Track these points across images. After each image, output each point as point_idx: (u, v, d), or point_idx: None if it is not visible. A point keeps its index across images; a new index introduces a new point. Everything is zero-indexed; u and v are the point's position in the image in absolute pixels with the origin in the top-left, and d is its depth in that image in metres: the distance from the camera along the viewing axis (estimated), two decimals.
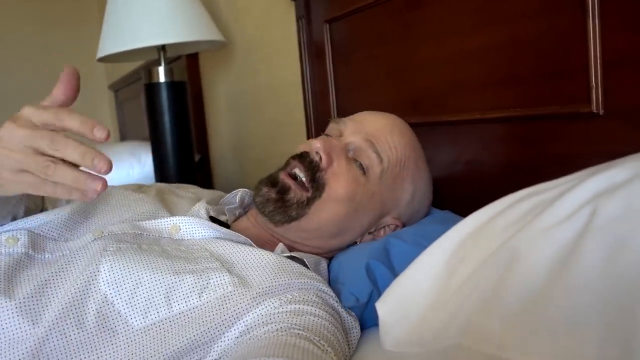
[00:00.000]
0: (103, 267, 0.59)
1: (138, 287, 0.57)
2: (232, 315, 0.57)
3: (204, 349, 0.56)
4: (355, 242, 0.77)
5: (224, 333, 0.56)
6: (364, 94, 1.16)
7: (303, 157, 0.72)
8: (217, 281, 0.59)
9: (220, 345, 0.56)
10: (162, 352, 0.55)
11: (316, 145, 0.71)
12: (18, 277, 0.58)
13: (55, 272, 0.59)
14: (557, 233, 0.36)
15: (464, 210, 0.79)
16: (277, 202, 0.71)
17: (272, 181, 0.72)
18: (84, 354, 0.54)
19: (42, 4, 3.32)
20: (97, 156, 0.48)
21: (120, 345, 0.55)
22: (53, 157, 0.47)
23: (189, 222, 0.69)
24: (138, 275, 0.58)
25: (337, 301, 0.64)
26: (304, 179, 0.71)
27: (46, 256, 0.62)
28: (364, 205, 0.73)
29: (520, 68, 0.81)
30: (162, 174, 1.65)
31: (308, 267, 0.69)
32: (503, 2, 0.82)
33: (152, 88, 1.60)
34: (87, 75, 3.83)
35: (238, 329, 0.56)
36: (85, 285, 0.57)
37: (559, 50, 0.75)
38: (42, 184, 0.49)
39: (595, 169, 0.41)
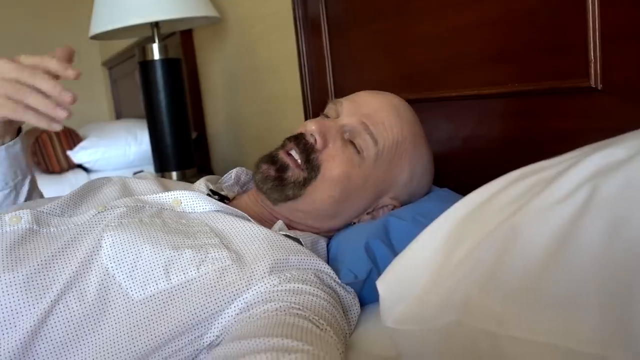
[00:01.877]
0: (105, 241, 0.60)
1: (138, 260, 0.59)
2: (231, 291, 0.58)
3: (204, 325, 0.56)
4: (353, 223, 0.77)
5: (223, 310, 0.57)
6: (360, 70, 1.15)
7: (298, 139, 0.73)
8: (215, 255, 0.60)
9: (221, 322, 0.57)
10: (162, 324, 0.56)
11: (311, 128, 0.71)
12: (22, 251, 0.59)
13: (62, 247, 0.60)
14: (556, 211, 0.37)
15: (462, 186, 0.79)
16: (275, 180, 0.72)
17: (272, 159, 0.73)
18: (86, 326, 0.55)
19: None
20: (64, 89, 0.64)
21: (120, 317, 0.56)
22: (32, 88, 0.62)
23: (190, 196, 0.71)
24: (138, 249, 0.59)
25: (335, 280, 0.65)
26: (298, 161, 0.72)
27: (51, 230, 0.63)
28: (359, 186, 0.73)
29: (517, 43, 0.80)
30: (159, 152, 1.65)
31: (303, 245, 0.69)
32: None
33: (146, 66, 1.58)
34: (80, 52, 3.78)
35: (238, 305, 0.57)
36: (88, 259, 0.59)
37: (556, 24, 0.74)
38: (18, 108, 0.63)
39: (596, 146, 0.41)
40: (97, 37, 1.61)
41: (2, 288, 0.54)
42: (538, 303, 0.35)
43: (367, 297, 0.69)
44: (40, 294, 0.55)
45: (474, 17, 0.86)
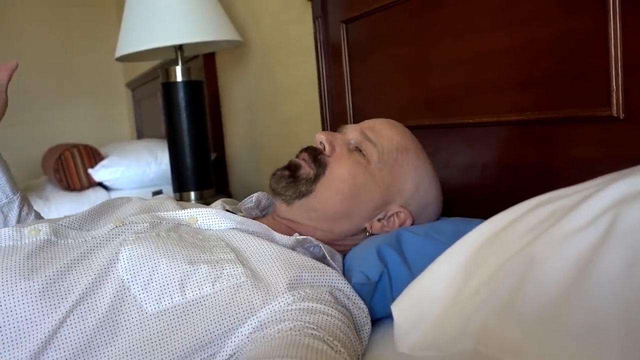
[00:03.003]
0: (122, 254, 0.61)
1: (154, 274, 0.59)
2: (245, 309, 0.58)
3: (217, 343, 0.56)
4: (366, 229, 0.78)
5: (236, 328, 0.57)
6: (379, 94, 1.16)
7: (309, 148, 0.80)
8: (230, 272, 0.61)
9: (234, 341, 0.57)
10: (176, 340, 0.56)
11: (320, 137, 0.78)
12: (39, 260, 0.60)
13: (78, 257, 0.61)
14: (576, 240, 0.36)
15: (479, 214, 0.78)
16: (289, 178, 0.77)
17: (286, 165, 0.80)
18: (99, 338, 0.55)
19: (63, 6, 3.37)
20: None
21: (134, 330, 0.56)
22: None
23: (206, 213, 0.72)
24: (155, 262, 0.60)
25: (349, 298, 0.65)
26: (308, 161, 0.78)
27: (69, 241, 0.64)
28: (366, 187, 0.76)
29: (538, 70, 0.80)
30: (178, 172, 1.67)
31: (325, 255, 0.71)
32: (521, 4, 0.81)
33: (169, 87, 1.61)
34: (105, 73, 3.88)
35: (251, 324, 0.57)
36: (104, 271, 0.59)
37: (578, 52, 0.74)
38: None
39: (616, 175, 0.40)
40: (122, 58, 1.65)
41: (18, 296, 0.55)
42: (557, 333, 0.35)
43: (378, 306, 0.69)
44: (55, 303, 0.56)
45: (495, 43, 0.86)
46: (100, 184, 2.20)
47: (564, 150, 0.78)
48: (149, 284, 0.59)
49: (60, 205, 2.06)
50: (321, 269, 0.66)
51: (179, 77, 1.60)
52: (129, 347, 0.55)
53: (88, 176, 2.15)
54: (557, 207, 0.41)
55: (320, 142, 0.78)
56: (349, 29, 1.23)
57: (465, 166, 0.96)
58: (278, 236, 0.72)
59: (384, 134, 0.79)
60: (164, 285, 0.59)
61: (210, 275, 0.60)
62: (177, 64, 1.62)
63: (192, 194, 1.65)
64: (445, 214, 0.86)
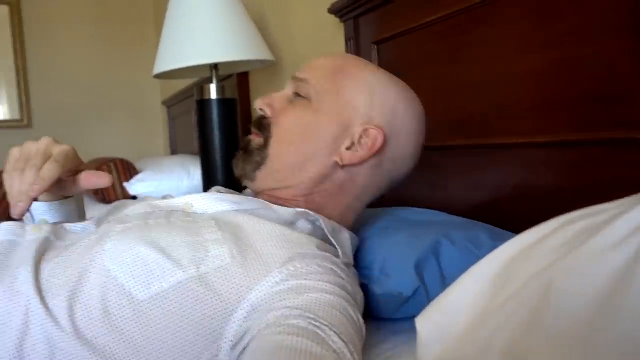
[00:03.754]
0: (107, 245, 0.61)
1: (137, 260, 0.59)
2: (236, 291, 0.57)
3: (215, 329, 0.56)
4: (337, 163, 0.73)
5: (231, 312, 0.56)
6: None
7: (254, 121, 0.79)
8: (215, 252, 0.60)
9: (232, 327, 0.56)
10: (174, 324, 0.55)
11: (257, 104, 0.78)
12: (41, 260, 0.61)
13: (67, 254, 0.61)
14: (609, 256, 0.36)
15: (511, 235, 0.77)
16: (244, 155, 0.77)
17: (239, 147, 0.80)
18: (95, 329, 0.55)
19: (105, 26, 3.50)
20: (20, 198, 0.65)
21: (129, 319, 0.55)
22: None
23: (201, 198, 0.72)
24: (137, 249, 0.59)
25: (342, 275, 0.62)
26: (255, 131, 0.77)
27: (66, 242, 0.65)
28: (315, 121, 0.73)
29: (569, 92, 0.80)
30: (209, 186, 1.70)
31: (324, 230, 0.68)
32: (552, 26, 0.81)
33: (203, 104, 1.66)
34: (142, 91, 4.00)
35: (244, 308, 0.56)
36: (89, 263, 0.59)
37: (610, 73, 0.73)
38: (7, 179, 0.67)
39: None
40: (159, 75, 1.70)
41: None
42: (588, 352, 0.34)
43: (410, 310, 0.68)
44: (48, 299, 0.56)
45: (526, 65, 0.87)
46: (135, 197, 2.26)
47: (595, 172, 0.77)
48: (134, 270, 0.58)
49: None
50: (314, 245, 0.64)
51: (213, 95, 1.64)
52: (130, 336, 0.55)
53: (123, 189, 2.21)
54: (588, 224, 0.40)
55: (260, 109, 0.77)
56: (380, 50, 1.24)
57: (494, 187, 0.96)
58: (276, 207, 0.70)
59: (314, 66, 0.77)
60: (149, 271, 0.58)
61: (195, 258, 0.59)
62: (212, 82, 1.66)
63: None
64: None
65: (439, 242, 0.71)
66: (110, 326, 0.55)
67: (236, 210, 0.70)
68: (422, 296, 0.68)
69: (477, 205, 0.93)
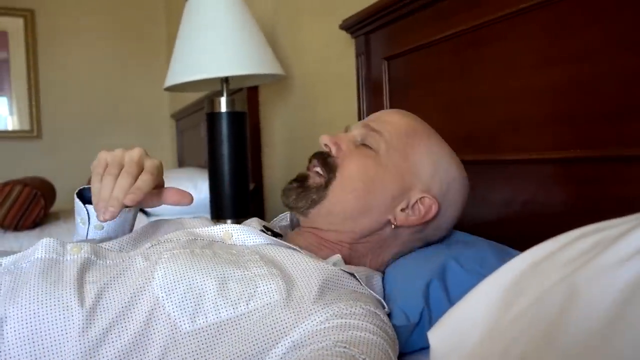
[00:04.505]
0: (157, 272, 0.61)
1: (189, 291, 0.59)
2: (279, 329, 0.58)
3: None
4: (390, 222, 0.76)
5: (270, 349, 0.57)
6: None
7: (316, 155, 0.79)
8: (264, 289, 0.60)
9: None
10: (213, 357, 0.56)
11: (324, 139, 0.78)
12: (83, 281, 0.61)
13: (114, 277, 0.61)
14: (622, 270, 0.35)
15: (520, 251, 0.77)
16: (298, 189, 0.77)
17: (293, 178, 0.79)
18: (133, 356, 0.55)
19: (117, 40, 3.56)
20: (112, 203, 0.64)
21: (168, 349, 0.56)
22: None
23: (241, 230, 0.72)
24: (189, 280, 0.60)
25: (384, 319, 0.63)
26: (318, 170, 0.77)
27: (108, 262, 0.65)
28: (379, 177, 0.75)
29: (581, 107, 0.80)
30: (216, 200, 1.70)
31: (359, 282, 0.69)
32: (566, 43, 0.82)
33: (213, 117, 1.67)
34: (152, 105, 4.03)
35: (285, 344, 0.57)
36: (140, 289, 0.59)
37: (622, 90, 0.74)
38: (97, 182, 0.66)
39: None
40: (171, 88, 1.72)
41: (57, 310, 0.56)
42: None
43: (417, 341, 0.67)
44: (91, 322, 0.56)
45: (537, 80, 0.87)
46: (141, 209, 2.27)
47: (607, 189, 0.77)
48: (183, 301, 0.58)
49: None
50: (359, 289, 0.65)
51: (223, 108, 1.65)
52: None
53: None
54: (601, 238, 0.40)
55: (325, 145, 0.77)
56: (391, 66, 1.25)
57: (504, 203, 0.95)
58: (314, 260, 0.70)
59: (388, 120, 0.78)
60: (198, 304, 0.58)
61: (244, 294, 0.59)
62: (222, 95, 1.67)
63: (229, 222, 1.68)
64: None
65: (446, 263, 0.72)
66: (144, 351, 0.55)
67: (274, 244, 0.70)
68: (426, 321, 0.67)
69: (486, 221, 0.93)
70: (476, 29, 0.98)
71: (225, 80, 1.69)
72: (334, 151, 0.77)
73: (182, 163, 3.34)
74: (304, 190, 0.76)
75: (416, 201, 0.75)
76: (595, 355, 0.35)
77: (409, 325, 0.65)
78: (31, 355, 0.54)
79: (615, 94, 0.75)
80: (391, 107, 1.26)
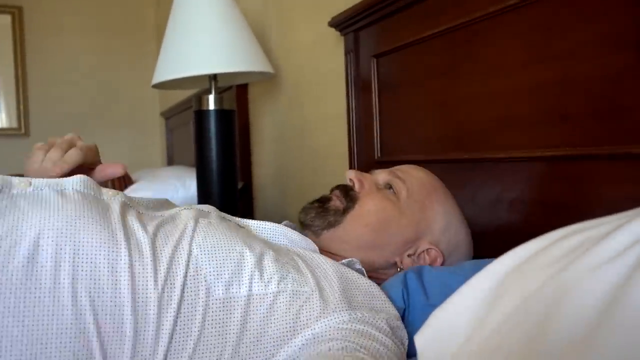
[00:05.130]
0: (198, 232, 0.61)
1: (227, 259, 0.59)
2: (302, 318, 0.58)
3: (269, 349, 0.56)
4: (396, 264, 0.79)
5: (291, 337, 0.57)
6: (408, 127, 1.16)
7: (340, 186, 0.84)
8: (294, 276, 0.61)
9: (286, 351, 0.56)
10: (232, 332, 0.55)
11: (350, 174, 0.82)
12: (127, 220, 0.60)
13: (157, 225, 0.61)
14: (607, 270, 0.35)
15: (506, 249, 0.76)
16: (318, 209, 0.80)
17: (315, 199, 0.83)
18: (167, 308, 0.54)
19: (106, 37, 3.52)
20: (40, 173, 0.70)
21: (197, 311, 0.55)
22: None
23: (259, 226, 0.73)
24: (230, 246, 0.60)
25: (403, 330, 0.64)
26: (339, 196, 0.81)
27: (140, 211, 0.65)
28: (395, 220, 0.78)
29: (571, 106, 0.79)
30: (205, 198, 1.68)
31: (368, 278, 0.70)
32: (554, 40, 0.81)
33: (201, 115, 1.65)
34: (142, 102, 4.00)
35: (305, 336, 0.56)
36: (180, 245, 0.59)
37: (612, 89, 0.73)
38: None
39: None
40: (158, 86, 1.70)
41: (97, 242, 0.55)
42: None
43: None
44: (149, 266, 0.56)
45: (527, 79, 0.86)
46: None
47: (596, 187, 0.76)
48: (221, 267, 0.58)
49: None
50: (375, 294, 0.65)
51: (212, 106, 1.63)
52: (189, 326, 0.54)
53: None
54: (585, 238, 0.39)
55: (350, 179, 0.81)
56: (380, 63, 1.24)
57: (493, 201, 0.95)
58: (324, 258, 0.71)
59: (413, 174, 0.83)
60: (235, 272, 0.58)
61: (277, 273, 0.60)
62: (211, 93, 1.66)
63: None
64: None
65: (421, 267, 0.75)
66: (177, 311, 0.54)
67: (286, 244, 0.71)
68: (407, 305, 0.69)
69: (474, 219, 0.92)
70: (465, 26, 0.97)
71: (214, 77, 1.67)
72: (357, 187, 0.81)
73: (171, 161, 3.32)
74: (324, 211, 0.79)
75: (423, 251, 0.79)
76: (582, 355, 0.34)
77: (400, 309, 0.67)
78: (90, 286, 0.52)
79: (604, 92, 0.74)
80: (380, 105, 1.25)
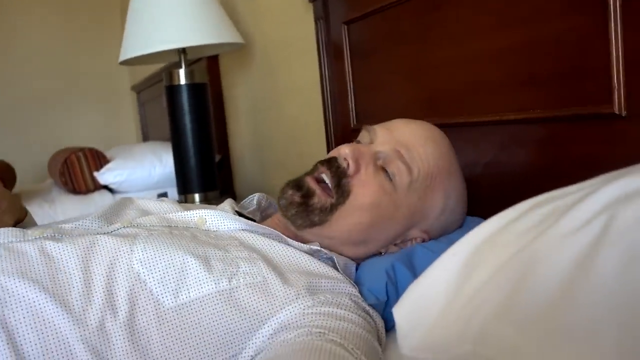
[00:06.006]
0: (137, 247, 0.60)
1: (170, 268, 0.58)
2: (264, 309, 0.58)
3: (237, 344, 0.56)
4: (380, 253, 0.75)
5: (257, 329, 0.57)
6: (382, 93, 1.16)
7: (331, 163, 0.71)
8: (246, 269, 0.60)
9: (255, 342, 0.56)
10: (195, 336, 0.55)
11: (345, 152, 0.70)
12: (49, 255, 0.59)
13: (87, 248, 0.60)
14: (573, 240, 0.36)
15: (483, 213, 0.78)
16: (300, 206, 0.70)
17: (297, 184, 0.72)
18: (117, 334, 0.54)
19: (70, 10, 3.39)
20: None
21: (152, 325, 0.55)
22: None
23: (215, 215, 0.71)
24: (170, 256, 0.59)
25: (368, 304, 0.64)
26: (329, 184, 0.71)
27: (75, 239, 0.62)
28: (389, 215, 0.71)
29: (539, 69, 0.80)
30: (182, 174, 1.67)
31: (337, 267, 0.69)
32: (522, 4, 0.81)
33: (173, 90, 1.62)
34: (110, 77, 3.90)
35: (271, 325, 0.57)
36: (116, 265, 0.58)
37: (579, 50, 0.74)
38: None
39: (615, 174, 0.40)
40: (126, 62, 1.66)
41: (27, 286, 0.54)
42: (554, 334, 0.35)
43: (390, 320, 0.68)
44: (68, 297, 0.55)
45: (496, 43, 0.86)
46: (106, 187, 2.22)
47: (566, 148, 0.78)
48: (164, 277, 0.58)
49: (66, 208, 2.07)
50: (339, 279, 0.65)
51: (183, 80, 1.60)
52: (148, 343, 0.54)
53: (94, 179, 2.16)
54: (554, 208, 0.41)
55: (344, 159, 0.70)
56: (351, 30, 1.23)
57: (468, 165, 0.96)
58: (291, 242, 0.69)
59: (420, 153, 0.71)
60: (180, 279, 0.58)
61: (226, 272, 0.59)
62: (181, 67, 1.62)
63: (197, 196, 1.66)
64: None
65: (412, 250, 0.72)
66: (132, 331, 0.54)
67: (250, 231, 0.69)
68: (393, 300, 0.67)
69: None
70: None
71: (183, 51, 1.64)
72: (351, 170, 0.69)
73: (146, 137, 3.27)
74: (306, 210, 0.69)
75: (414, 238, 0.74)
76: (551, 322, 0.36)
77: (381, 303, 0.66)
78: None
79: (572, 54, 0.75)
80: (353, 72, 1.24)
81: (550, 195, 0.43)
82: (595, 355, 0.32)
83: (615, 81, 0.69)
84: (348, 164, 0.69)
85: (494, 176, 0.91)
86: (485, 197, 0.92)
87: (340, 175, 0.70)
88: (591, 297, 0.34)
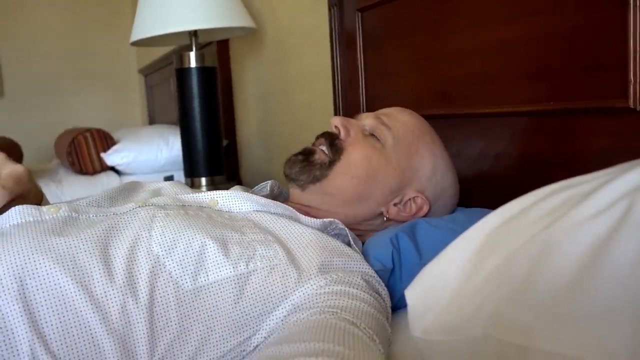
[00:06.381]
0: (155, 230, 0.60)
1: (188, 250, 0.59)
2: (279, 291, 0.58)
3: (252, 326, 0.57)
4: (382, 214, 0.79)
5: (271, 311, 0.58)
6: (393, 83, 1.16)
7: (325, 135, 0.80)
8: (262, 253, 0.61)
9: (269, 324, 0.57)
10: (213, 319, 0.56)
11: (335, 121, 0.79)
12: (65, 231, 0.58)
13: (105, 230, 0.59)
14: (591, 226, 0.36)
15: (491, 204, 0.78)
16: (303, 162, 0.78)
17: (299, 151, 0.81)
18: (139, 316, 0.54)
19: None
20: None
21: (170, 307, 0.55)
22: None
23: (227, 196, 0.72)
24: (189, 238, 0.60)
25: (379, 283, 0.66)
26: (324, 149, 0.79)
27: (90, 216, 0.63)
28: (382, 169, 0.77)
29: (554, 61, 0.80)
30: (189, 157, 1.68)
31: (350, 241, 0.71)
32: None
33: (182, 73, 1.62)
34: (119, 59, 3.90)
35: (285, 307, 0.58)
36: (136, 246, 0.58)
37: (596, 43, 0.73)
38: None
39: (634, 162, 0.40)
40: (137, 43, 1.66)
41: (48, 263, 0.54)
42: (569, 317, 0.35)
43: (395, 289, 0.70)
44: (88, 273, 0.54)
45: (511, 34, 0.86)
46: (112, 168, 2.22)
47: (579, 141, 0.78)
48: (184, 260, 0.58)
49: (73, 189, 2.08)
50: (352, 256, 0.66)
51: (193, 63, 1.60)
52: (166, 324, 0.54)
53: (100, 160, 2.17)
54: (571, 195, 0.41)
55: (335, 127, 0.79)
56: (364, 18, 1.22)
57: (478, 156, 0.96)
58: (303, 218, 0.72)
59: (399, 118, 0.80)
60: (199, 262, 0.58)
61: (243, 255, 0.60)
62: (191, 50, 1.62)
63: (203, 180, 1.67)
64: (458, 204, 0.86)
65: (416, 222, 0.76)
66: (151, 314, 0.54)
67: (263, 211, 0.71)
68: (397, 267, 0.71)
69: (460, 174, 0.93)
70: None
71: (194, 33, 1.63)
72: (342, 134, 0.78)
73: (152, 120, 3.27)
74: (308, 165, 0.77)
75: (410, 199, 0.78)
76: (565, 306, 0.36)
77: (387, 270, 0.68)
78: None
79: (588, 47, 0.74)
80: (365, 61, 1.24)
81: (568, 182, 0.43)
82: (611, 338, 0.33)
83: (632, 75, 0.69)
84: (339, 130, 0.79)
85: (504, 168, 0.91)
86: (494, 188, 0.93)
87: (333, 138, 0.79)
88: (608, 282, 0.34)
